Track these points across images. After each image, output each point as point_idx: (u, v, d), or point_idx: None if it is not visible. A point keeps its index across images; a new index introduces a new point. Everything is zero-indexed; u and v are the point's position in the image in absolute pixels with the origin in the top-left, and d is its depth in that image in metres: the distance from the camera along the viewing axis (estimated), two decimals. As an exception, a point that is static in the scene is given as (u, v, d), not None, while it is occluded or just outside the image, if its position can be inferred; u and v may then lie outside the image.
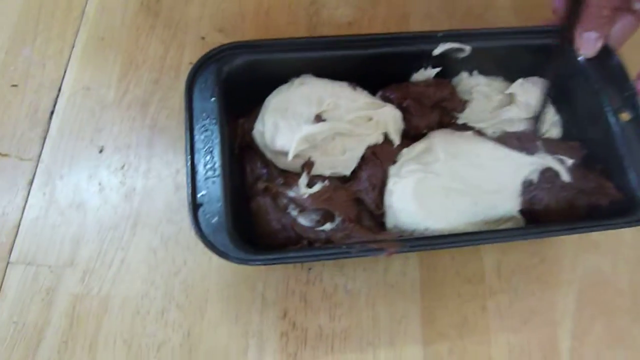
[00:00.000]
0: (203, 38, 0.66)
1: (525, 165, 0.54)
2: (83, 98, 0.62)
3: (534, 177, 0.54)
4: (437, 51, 0.55)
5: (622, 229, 0.56)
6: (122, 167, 0.58)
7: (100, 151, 0.59)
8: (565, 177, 0.53)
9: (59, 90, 0.62)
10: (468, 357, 0.52)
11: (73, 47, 0.64)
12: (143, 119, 0.61)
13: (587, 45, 0.53)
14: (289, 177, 0.50)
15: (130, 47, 0.65)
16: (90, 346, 0.51)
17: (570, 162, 0.54)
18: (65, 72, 0.63)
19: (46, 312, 0.52)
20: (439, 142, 0.54)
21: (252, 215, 0.50)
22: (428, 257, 0.56)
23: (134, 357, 0.51)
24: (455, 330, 0.53)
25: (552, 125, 0.59)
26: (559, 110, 0.60)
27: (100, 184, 0.57)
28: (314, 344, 0.52)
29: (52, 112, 0.61)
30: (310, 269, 0.55)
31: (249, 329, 0.52)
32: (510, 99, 0.58)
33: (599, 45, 0.53)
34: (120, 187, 0.57)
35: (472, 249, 0.57)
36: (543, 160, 0.54)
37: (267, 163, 0.52)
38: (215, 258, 0.50)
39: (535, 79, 0.60)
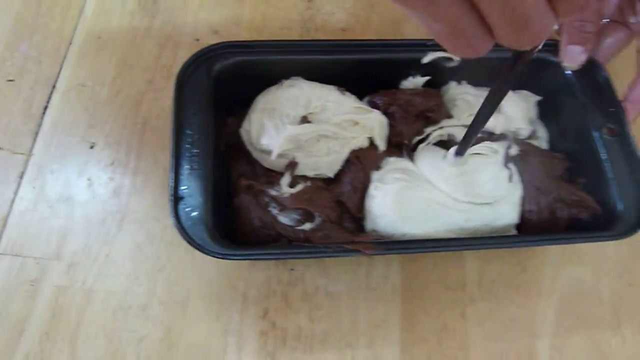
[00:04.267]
0: (197, 40, 0.67)
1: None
2: (77, 95, 0.63)
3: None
4: (426, 59, 0.56)
5: (606, 242, 0.57)
6: (112, 163, 0.59)
7: (91, 147, 0.60)
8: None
9: (54, 86, 0.63)
10: (445, 362, 0.53)
11: (70, 44, 0.66)
12: (135, 118, 0.62)
13: (570, 58, 0.54)
14: (273, 176, 0.51)
15: (126, 46, 0.66)
16: (71, 338, 0.51)
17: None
18: (61, 68, 0.64)
19: (30, 303, 0.53)
20: (424, 163, 0.54)
21: (234, 212, 0.51)
22: (410, 263, 0.56)
23: (114, 350, 0.51)
24: (434, 336, 0.54)
25: (539, 140, 0.60)
26: (547, 124, 0.61)
27: (89, 179, 0.58)
28: (293, 344, 0.52)
29: (45, 108, 0.62)
30: (292, 269, 0.55)
31: (229, 327, 0.53)
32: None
33: (582, 58, 0.53)
34: (109, 183, 0.58)
35: (455, 256, 0.57)
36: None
37: (253, 162, 0.53)
38: (199, 256, 0.51)
39: (525, 92, 0.60)
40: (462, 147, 0.50)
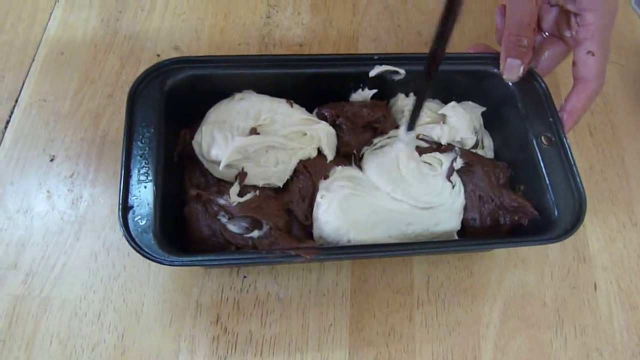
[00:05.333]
0: (158, 55, 0.69)
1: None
2: (39, 109, 0.64)
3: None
4: (373, 73, 0.58)
5: (549, 247, 0.59)
6: (71, 175, 0.61)
7: (52, 160, 0.61)
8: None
9: (16, 101, 0.65)
10: (392, 364, 0.54)
11: (33, 60, 0.67)
12: (95, 131, 0.63)
13: (510, 70, 0.56)
14: (223, 186, 0.53)
15: (88, 62, 0.68)
16: (27, 346, 0.53)
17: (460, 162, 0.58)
18: (23, 84, 0.66)
19: (-13, 312, 0.54)
20: (370, 168, 0.57)
21: (184, 221, 0.52)
22: (360, 269, 0.58)
23: (68, 357, 0.52)
24: (382, 339, 0.56)
25: (485, 148, 0.62)
26: (492, 133, 0.63)
27: (48, 191, 0.60)
28: (244, 348, 0.54)
29: (7, 122, 0.63)
30: (245, 277, 0.57)
31: (182, 332, 0.54)
32: (443, 120, 0.61)
33: (521, 71, 0.56)
34: (68, 195, 0.60)
35: (403, 262, 0.59)
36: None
37: (205, 172, 0.55)
38: (153, 265, 0.53)
39: (471, 103, 0.63)
40: (411, 120, 0.54)
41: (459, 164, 0.58)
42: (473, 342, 0.56)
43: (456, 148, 0.59)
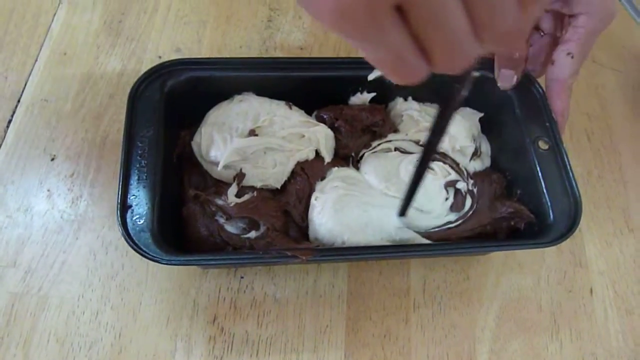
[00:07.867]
0: (160, 57, 0.69)
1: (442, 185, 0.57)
2: (40, 109, 0.65)
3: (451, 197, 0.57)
4: (371, 76, 0.59)
5: (545, 251, 0.60)
6: (72, 175, 0.61)
7: (52, 159, 0.62)
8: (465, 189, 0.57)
9: (18, 101, 0.65)
10: (387, 366, 0.55)
11: (36, 61, 0.68)
12: (96, 131, 0.64)
13: (504, 80, 0.56)
14: (221, 186, 0.54)
15: (90, 63, 0.68)
16: (24, 343, 0.53)
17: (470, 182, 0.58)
18: (26, 84, 0.66)
19: (-15, 309, 0.54)
20: (368, 167, 0.57)
21: (182, 221, 0.53)
22: (356, 271, 0.59)
23: (65, 355, 0.53)
24: (378, 341, 0.56)
25: (482, 155, 0.63)
26: (489, 138, 0.63)
27: (49, 190, 0.60)
28: (240, 348, 0.54)
29: (9, 121, 0.64)
30: (242, 277, 0.57)
31: (179, 332, 0.54)
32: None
33: (514, 81, 0.56)
34: (68, 194, 0.60)
35: (400, 265, 0.60)
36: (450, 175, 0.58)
37: (204, 173, 0.55)
38: (151, 264, 0.53)
39: (469, 110, 0.63)
40: (404, 206, 0.48)
41: (461, 186, 0.58)
42: (469, 345, 0.57)
43: (465, 176, 0.60)
